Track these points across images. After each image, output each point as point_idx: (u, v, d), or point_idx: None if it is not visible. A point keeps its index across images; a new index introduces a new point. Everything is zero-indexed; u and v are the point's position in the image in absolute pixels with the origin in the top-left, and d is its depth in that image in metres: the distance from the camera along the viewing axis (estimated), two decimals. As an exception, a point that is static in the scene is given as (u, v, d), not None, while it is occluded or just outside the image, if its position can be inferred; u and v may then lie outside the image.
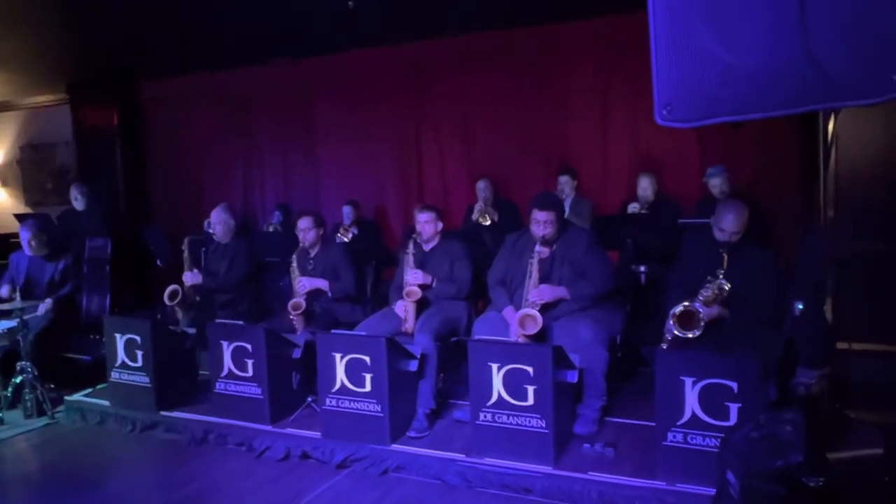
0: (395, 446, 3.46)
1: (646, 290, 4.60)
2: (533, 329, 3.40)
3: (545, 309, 3.53)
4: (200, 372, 4.52)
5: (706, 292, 3.21)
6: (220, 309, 4.70)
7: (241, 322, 4.07)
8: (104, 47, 6.38)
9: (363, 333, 3.75)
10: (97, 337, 4.69)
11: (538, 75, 5.89)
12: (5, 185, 8.88)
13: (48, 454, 3.91)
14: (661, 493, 2.85)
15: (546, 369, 3.09)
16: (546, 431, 3.11)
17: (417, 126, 6.49)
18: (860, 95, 1.38)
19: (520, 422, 3.16)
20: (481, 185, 5.66)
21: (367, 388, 3.48)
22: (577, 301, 3.60)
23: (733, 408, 2.79)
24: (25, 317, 4.40)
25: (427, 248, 4.17)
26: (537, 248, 3.60)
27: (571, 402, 3.48)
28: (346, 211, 6.18)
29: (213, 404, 4.01)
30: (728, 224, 3.29)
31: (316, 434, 3.64)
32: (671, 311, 3.21)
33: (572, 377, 3.25)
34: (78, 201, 6.19)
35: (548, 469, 3.09)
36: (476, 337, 3.59)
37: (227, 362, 3.91)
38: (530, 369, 3.12)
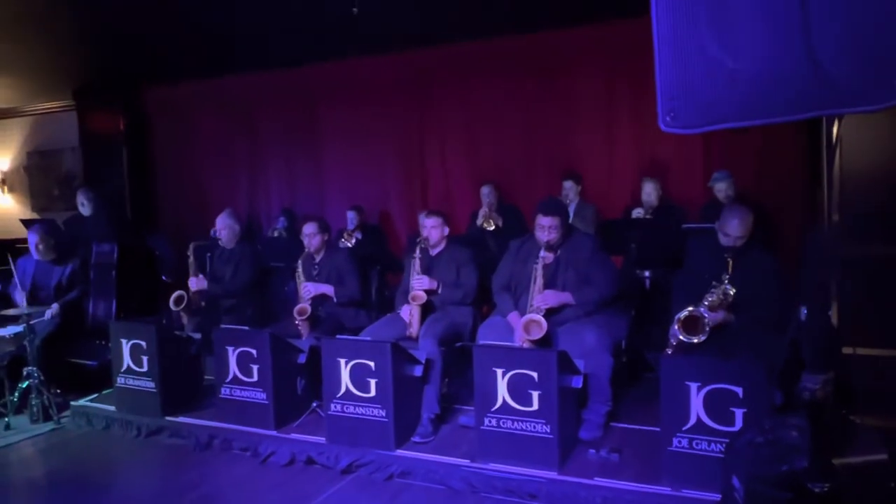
0: (400, 451, 3.46)
1: (650, 296, 4.59)
2: (538, 334, 3.40)
3: (550, 314, 3.53)
4: (206, 377, 4.54)
5: (711, 297, 3.19)
6: (225, 314, 4.71)
7: (246, 327, 4.07)
8: (110, 54, 6.44)
9: (368, 339, 3.75)
10: (103, 342, 4.69)
11: (542, 80, 5.91)
12: (12, 190, 8.94)
13: (54, 459, 3.92)
14: (666, 499, 2.85)
15: (551, 374, 3.09)
16: (551, 437, 3.11)
17: (421, 131, 6.51)
18: (864, 101, 1.39)
19: (525, 427, 3.16)
20: (485, 191, 5.66)
21: (372, 393, 3.48)
22: (581, 306, 3.60)
23: (738, 413, 2.78)
24: (32, 321, 4.42)
25: (433, 253, 4.18)
26: (542, 253, 3.60)
27: (576, 407, 3.47)
28: (350, 216, 6.20)
29: (218, 409, 4.01)
30: (733, 229, 3.28)
31: (321, 439, 3.64)
32: (676, 316, 3.20)
33: (577, 382, 3.25)
34: (84, 207, 6.21)
35: (553, 474, 3.08)
36: (481, 342, 3.59)
37: (233, 367, 3.91)
38: (535, 374, 3.12)
